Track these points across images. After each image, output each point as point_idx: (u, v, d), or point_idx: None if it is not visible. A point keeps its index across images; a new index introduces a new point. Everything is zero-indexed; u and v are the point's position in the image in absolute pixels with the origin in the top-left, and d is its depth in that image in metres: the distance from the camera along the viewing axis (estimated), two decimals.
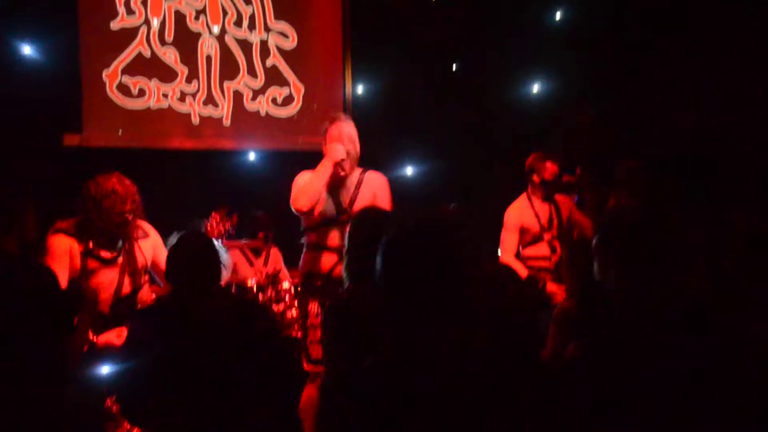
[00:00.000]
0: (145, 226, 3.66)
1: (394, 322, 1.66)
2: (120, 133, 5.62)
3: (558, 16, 6.46)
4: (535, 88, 6.55)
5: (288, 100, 6.09)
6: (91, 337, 3.22)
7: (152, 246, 3.64)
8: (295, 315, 4.20)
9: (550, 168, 4.71)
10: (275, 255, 5.49)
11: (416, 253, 1.66)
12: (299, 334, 3.82)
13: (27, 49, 5.32)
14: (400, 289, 1.66)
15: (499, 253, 4.80)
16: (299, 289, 3.95)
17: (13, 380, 2.47)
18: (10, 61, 5.26)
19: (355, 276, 2.61)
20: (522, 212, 4.79)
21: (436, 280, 1.63)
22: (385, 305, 1.69)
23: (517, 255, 4.81)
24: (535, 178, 4.77)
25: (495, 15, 6.33)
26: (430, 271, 1.64)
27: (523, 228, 4.77)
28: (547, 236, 4.76)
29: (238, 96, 5.94)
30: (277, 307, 4.26)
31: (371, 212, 2.90)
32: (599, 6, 6.13)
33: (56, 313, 2.67)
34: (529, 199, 4.82)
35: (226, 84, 5.90)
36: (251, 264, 5.30)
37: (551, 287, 4.48)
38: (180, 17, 5.77)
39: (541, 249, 4.75)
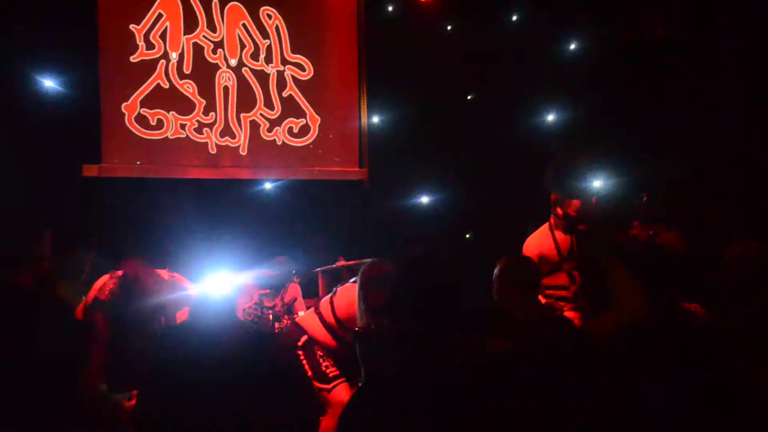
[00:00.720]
0: (184, 285, 3.61)
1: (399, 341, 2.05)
2: (138, 164, 5.69)
3: (572, 46, 6.50)
4: (550, 117, 6.57)
5: (304, 131, 6.14)
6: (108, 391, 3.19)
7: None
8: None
9: (575, 204, 4.69)
10: (293, 287, 5.49)
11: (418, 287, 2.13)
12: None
13: (48, 82, 5.42)
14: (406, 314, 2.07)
15: None
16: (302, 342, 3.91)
17: (28, 413, 2.45)
18: (31, 93, 5.36)
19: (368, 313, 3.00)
20: (541, 242, 4.76)
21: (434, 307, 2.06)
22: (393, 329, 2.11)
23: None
24: (559, 210, 4.74)
25: (510, 44, 6.38)
26: (429, 299, 2.08)
27: (542, 257, 4.73)
28: (566, 266, 4.72)
29: (254, 126, 6.00)
30: None
31: (377, 267, 3.30)
32: (612, 36, 6.16)
33: (70, 345, 2.65)
34: (551, 230, 4.79)
35: (243, 115, 5.96)
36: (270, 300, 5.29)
37: (569, 315, 4.44)
38: (198, 50, 5.87)
39: (560, 278, 4.71)
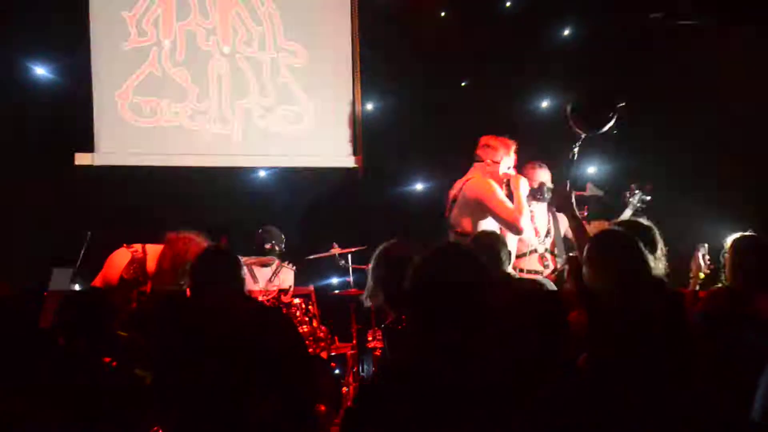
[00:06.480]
0: None
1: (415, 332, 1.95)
2: (131, 152, 5.66)
3: (567, 31, 6.46)
4: (544, 103, 6.54)
5: (298, 118, 6.11)
6: None
7: None
8: (306, 331, 4.18)
9: (530, 176, 4.69)
10: (286, 272, 5.48)
11: (438, 276, 1.93)
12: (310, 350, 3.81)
13: (40, 70, 5.38)
14: (423, 304, 1.91)
15: None
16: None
17: None
18: (22, 82, 5.33)
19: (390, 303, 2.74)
20: None
21: (452, 297, 1.88)
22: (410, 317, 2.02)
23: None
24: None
25: (505, 31, 6.34)
26: (447, 289, 1.89)
27: (520, 240, 4.69)
28: (540, 248, 4.70)
29: (248, 114, 5.97)
30: None
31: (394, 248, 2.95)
32: (608, 22, 6.13)
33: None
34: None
35: (236, 102, 5.93)
36: (256, 281, 5.28)
37: None
38: (191, 37, 5.83)
39: (533, 262, 4.67)
